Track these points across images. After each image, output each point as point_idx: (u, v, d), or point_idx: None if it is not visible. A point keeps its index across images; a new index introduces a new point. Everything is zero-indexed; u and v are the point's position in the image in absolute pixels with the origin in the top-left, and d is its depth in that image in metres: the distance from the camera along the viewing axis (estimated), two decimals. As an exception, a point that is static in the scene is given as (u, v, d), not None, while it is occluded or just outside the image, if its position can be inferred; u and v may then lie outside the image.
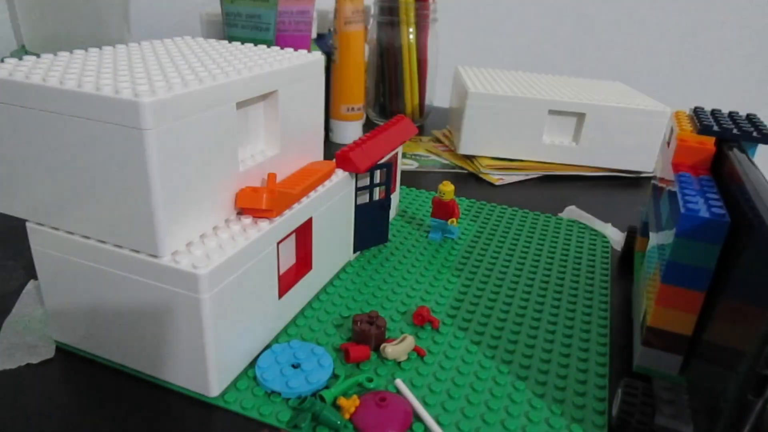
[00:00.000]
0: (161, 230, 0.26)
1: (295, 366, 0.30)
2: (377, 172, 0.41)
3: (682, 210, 0.27)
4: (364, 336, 0.32)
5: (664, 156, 0.38)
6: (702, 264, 0.27)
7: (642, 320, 0.31)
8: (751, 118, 0.36)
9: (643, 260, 0.37)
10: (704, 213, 0.27)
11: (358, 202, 0.41)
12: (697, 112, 0.37)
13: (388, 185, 0.42)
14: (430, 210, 0.46)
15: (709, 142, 0.33)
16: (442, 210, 0.45)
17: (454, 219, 0.45)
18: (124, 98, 0.23)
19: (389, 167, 0.41)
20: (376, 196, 0.42)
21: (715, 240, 0.27)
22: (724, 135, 0.33)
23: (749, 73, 0.94)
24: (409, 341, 0.32)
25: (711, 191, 0.29)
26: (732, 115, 0.36)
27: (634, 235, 0.44)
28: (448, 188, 0.44)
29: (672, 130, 0.37)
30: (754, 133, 0.33)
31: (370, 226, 0.42)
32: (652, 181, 0.41)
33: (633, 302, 0.38)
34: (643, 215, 0.42)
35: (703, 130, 0.33)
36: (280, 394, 0.29)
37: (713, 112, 0.37)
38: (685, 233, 0.27)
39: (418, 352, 0.33)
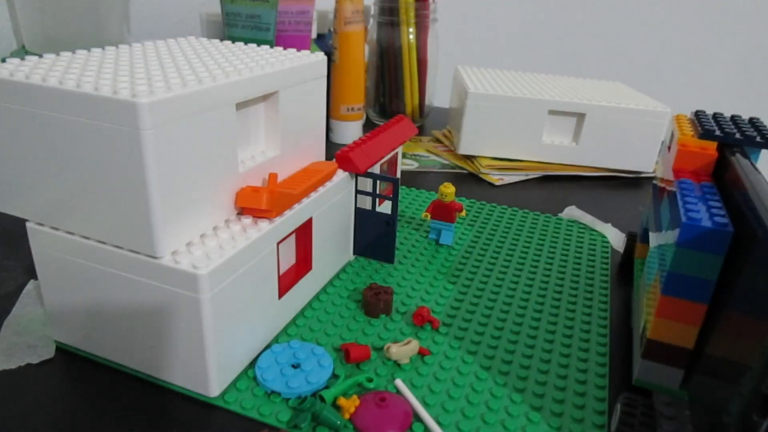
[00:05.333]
0: (159, 231, 0.26)
1: (295, 366, 0.30)
2: (382, 184, 0.40)
3: (683, 219, 0.26)
4: (376, 301, 0.35)
5: (665, 160, 0.37)
6: (704, 275, 0.26)
7: (642, 332, 0.31)
8: (754, 122, 0.35)
9: (644, 268, 0.36)
10: (706, 222, 0.26)
11: (359, 205, 0.41)
12: (699, 115, 0.36)
13: (395, 201, 0.40)
14: (424, 215, 0.46)
15: (711, 147, 0.32)
16: (443, 212, 0.45)
17: (463, 213, 0.45)
18: (122, 98, 0.23)
19: (396, 182, 0.39)
20: (379, 205, 0.41)
21: (717, 250, 0.25)
22: (726, 140, 0.32)
23: (752, 75, 0.94)
24: (414, 345, 0.32)
25: (713, 198, 0.28)
26: (734, 119, 0.35)
27: (634, 241, 0.43)
28: (449, 190, 0.44)
29: (673, 135, 0.36)
30: (758, 138, 0.32)
31: (374, 237, 0.41)
32: (654, 182, 0.40)
33: (633, 311, 0.37)
34: (643, 221, 0.41)
35: (705, 134, 0.32)
36: (280, 394, 0.29)
37: (715, 116, 0.36)
38: (686, 243, 0.26)
39: (421, 352, 0.33)
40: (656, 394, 0.27)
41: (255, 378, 0.30)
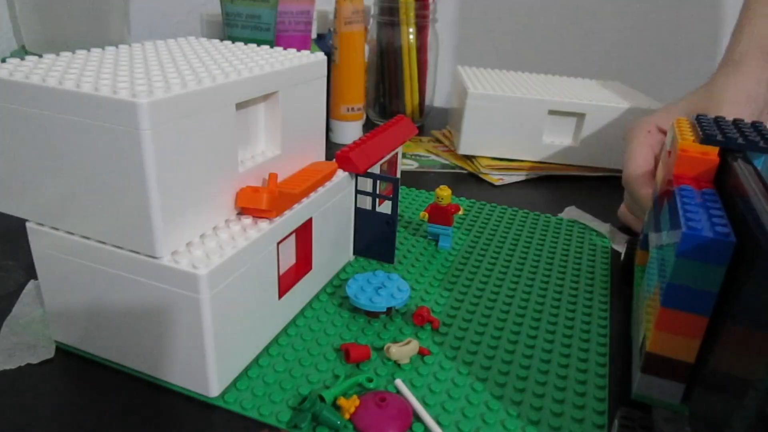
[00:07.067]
0: (159, 231, 0.26)
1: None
2: (382, 184, 0.40)
3: (684, 228, 0.25)
4: None
5: (665, 165, 0.36)
6: (705, 287, 0.25)
7: (641, 344, 0.30)
8: (757, 126, 0.34)
9: (644, 276, 0.35)
10: (707, 232, 0.25)
11: (359, 205, 0.41)
12: (700, 119, 0.35)
13: (395, 201, 0.40)
14: (422, 214, 0.46)
15: (713, 152, 0.31)
16: (440, 215, 0.45)
17: (460, 211, 0.45)
18: (121, 98, 0.23)
19: (396, 182, 0.39)
20: (379, 205, 0.41)
21: (719, 261, 0.24)
22: (728, 145, 0.31)
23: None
24: (414, 345, 0.32)
25: (714, 206, 0.27)
26: (737, 123, 0.35)
27: (634, 248, 0.42)
28: (445, 192, 0.44)
29: (673, 139, 0.35)
30: (761, 143, 0.31)
31: (374, 237, 0.41)
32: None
33: (632, 321, 0.36)
34: (643, 227, 0.40)
35: (706, 139, 0.31)
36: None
37: (717, 120, 0.35)
38: (687, 254, 0.25)
39: (421, 352, 0.33)
40: (656, 410, 0.26)
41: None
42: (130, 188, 0.25)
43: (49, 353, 0.31)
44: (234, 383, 0.30)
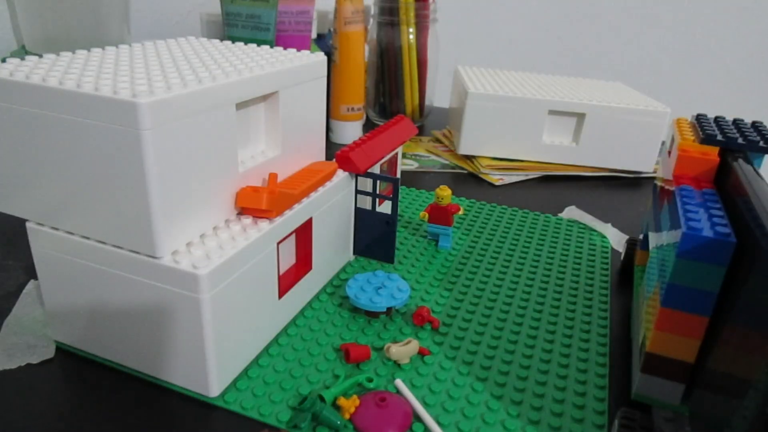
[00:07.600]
0: (159, 231, 0.26)
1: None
2: (382, 184, 0.40)
3: (684, 228, 0.25)
4: None
5: (665, 165, 0.36)
6: (705, 287, 0.25)
7: (641, 344, 0.30)
8: (757, 126, 0.34)
9: (644, 276, 0.35)
10: (707, 232, 0.25)
11: (359, 205, 0.41)
12: (700, 119, 0.35)
13: (395, 201, 0.40)
14: (422, 214, 0.46)
15: (713, 152, 0.31)
16: (440, 215, 0.45)
17: (461, 211, 0.45)
18: (122, 98, 0.23)
19: (396, 182, 0.39)
20: (379, 205, 0.41)
21: (719, 261, 0.24)
22: (728, 145, 0.31)
23: (755, 76, 0.94)
24: (414, 345, 0.32)
25: (715, 206, 0.27)
26: (737, 123, 0.35)
27: (634, 248, 0.42)
28: (445, 192, 0.44)
29: (673, 139, 0.35)
30: (761, 143, 0.31)
31: (374, 237, 0.41)
32: (655, 182, 0.40)
33: (632, 321, 0.36)
34: (644, 227, 0.41)
35: (706, 139, 0.32)
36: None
37: (717, 120, 0.35)
38: (687, 254, 0.25)
39: (421, 352, 0.33)
40: (656, 410, 0.26)
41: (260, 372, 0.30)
42: (130, 188, 0.25)
43: (49, 353, 0.31)
44: (234, 383, 0.30)
